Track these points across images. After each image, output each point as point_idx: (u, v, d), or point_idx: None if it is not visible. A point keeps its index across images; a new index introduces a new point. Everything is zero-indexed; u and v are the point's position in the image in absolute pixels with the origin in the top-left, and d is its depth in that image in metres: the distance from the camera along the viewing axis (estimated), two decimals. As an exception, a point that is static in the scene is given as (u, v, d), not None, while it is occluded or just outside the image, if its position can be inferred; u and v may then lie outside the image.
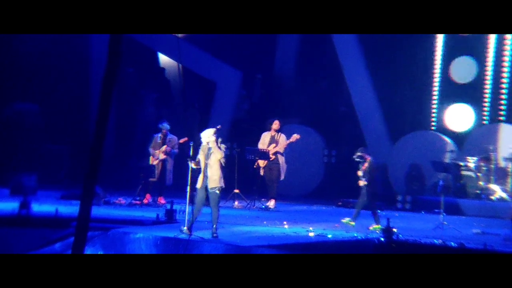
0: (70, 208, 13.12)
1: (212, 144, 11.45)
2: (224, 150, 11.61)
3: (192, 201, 11.51)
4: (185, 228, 11.32)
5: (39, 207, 13.65)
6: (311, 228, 12.61)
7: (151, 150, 15.86)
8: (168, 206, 13.25)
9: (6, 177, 16.79)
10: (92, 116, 19.54)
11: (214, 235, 11.34)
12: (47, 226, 12.54)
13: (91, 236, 11.27)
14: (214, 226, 11.40)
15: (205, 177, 11.42)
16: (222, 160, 11.49)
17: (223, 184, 11.60)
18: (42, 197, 15.70)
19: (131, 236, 11.52)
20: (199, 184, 11.51)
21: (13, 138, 19.31)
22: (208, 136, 11.49)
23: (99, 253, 11.49)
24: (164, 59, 21.67)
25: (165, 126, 15.89)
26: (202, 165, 11.46)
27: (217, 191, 11.47)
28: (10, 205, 13.43)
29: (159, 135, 15.90)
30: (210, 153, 11.44)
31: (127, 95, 20.87)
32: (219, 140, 11.54)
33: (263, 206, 15.95)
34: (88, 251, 11.00)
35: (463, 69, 18.72)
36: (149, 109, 21.04)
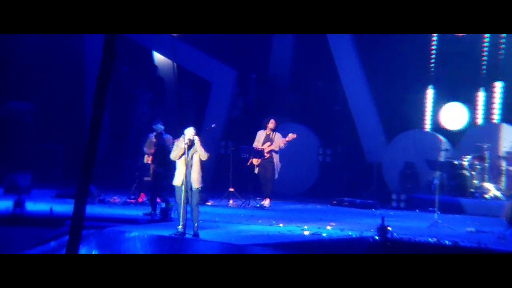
0: (64, 207, 13.10)
1: (197, 144, 11.46)
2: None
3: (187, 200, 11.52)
4: (180, 227, 11.33)
5: (33, 206, 13.64)
6: (305, 227, 12.63)
7: (145, 149, 15.83)
8: (163, 205, 13.25)
9: (0, 175, 16.77)
10: (86, 115, 19.52)
11: (195, 233, 11.39)
12: (41, 225, 12.54)
13: (86, 235, 11.25)
14: (196, 224, 11.46)
15: (186, 176, 11.42)
16: (205, 158, 11.50)
17: (202, 183, 11.64)
18: (36, 195, 15.69)
19: (125, 234, 11.52)
20: (178, 182, 11.51)
21: (8, 136, 19.28)
22: (191, 134, 11.48)
23: (93, 251, 11.49)
24: (158, 57, 21.63)
25: (159, 127, 15.80)
26: (182, 163, 11.45)
27: (199, 190, 11.58)
28: (4, 204, 13.43)
29: (154, 134, 15.86)
30: (193, 152, 11.46)
31: (122, 94, 20.83)
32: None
33: (258, 205, 15.95)
34: (83, 249, 10.97)
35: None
36: (143, 108, 20.99)
